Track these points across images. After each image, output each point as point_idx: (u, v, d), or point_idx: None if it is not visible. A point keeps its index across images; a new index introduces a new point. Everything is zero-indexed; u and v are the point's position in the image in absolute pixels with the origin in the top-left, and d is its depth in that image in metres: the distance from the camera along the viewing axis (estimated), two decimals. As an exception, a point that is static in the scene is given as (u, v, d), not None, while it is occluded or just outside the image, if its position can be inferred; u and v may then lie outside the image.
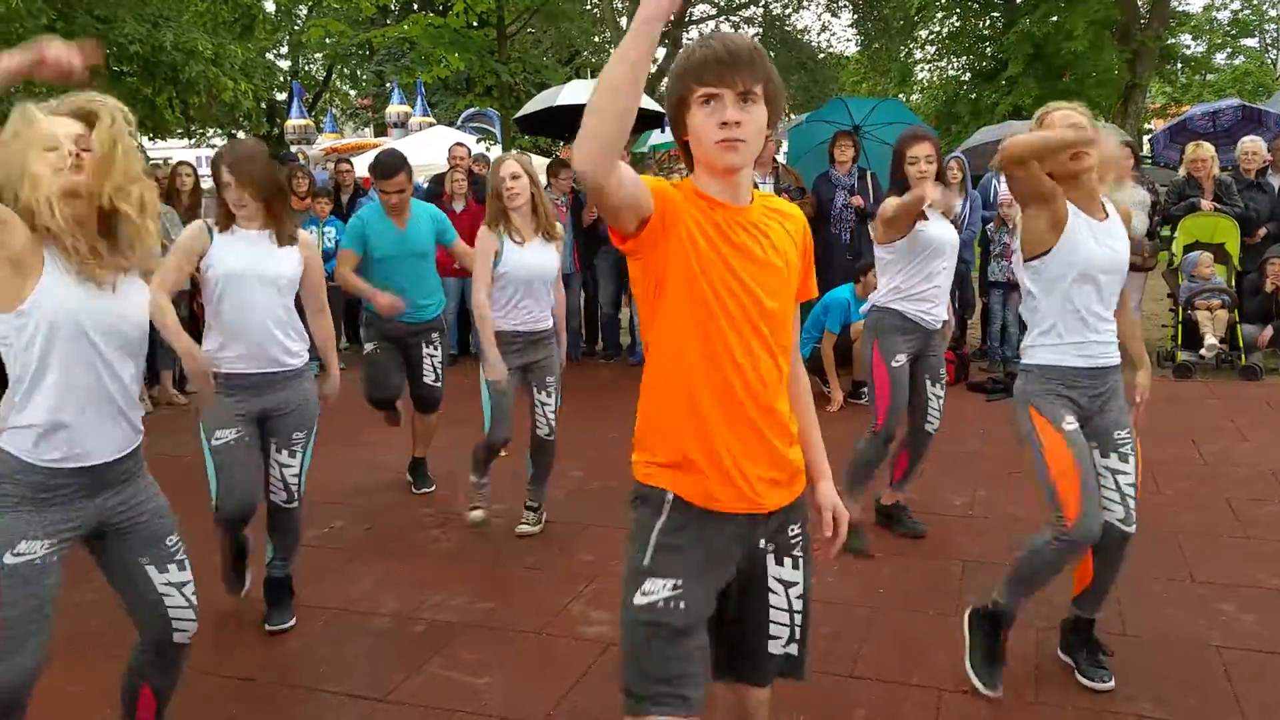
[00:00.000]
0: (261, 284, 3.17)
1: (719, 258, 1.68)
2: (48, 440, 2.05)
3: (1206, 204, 7.35)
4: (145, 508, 2.22)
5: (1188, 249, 7.37)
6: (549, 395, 4.19)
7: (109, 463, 2.13)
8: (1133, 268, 8.70)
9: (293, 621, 3.40)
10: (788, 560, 1.85)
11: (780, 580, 1.85)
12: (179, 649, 2.32)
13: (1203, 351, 7.02)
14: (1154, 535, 4.02)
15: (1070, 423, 2.74)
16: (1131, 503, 2.80)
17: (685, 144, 1.73)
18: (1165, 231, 7.75)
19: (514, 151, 5.43)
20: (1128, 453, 2.82)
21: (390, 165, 4.41)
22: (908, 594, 3.56)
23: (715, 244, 1.68)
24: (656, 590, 1.71)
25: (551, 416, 4.20)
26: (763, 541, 1.82)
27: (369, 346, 4.65)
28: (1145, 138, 18.28)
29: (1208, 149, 7.59)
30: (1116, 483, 2.80)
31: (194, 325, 5.50)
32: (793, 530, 1.86)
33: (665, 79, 1.47)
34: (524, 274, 4.03)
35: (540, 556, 4.01)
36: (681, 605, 1.70)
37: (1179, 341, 7.24)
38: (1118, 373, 2.83)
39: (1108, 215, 2.80)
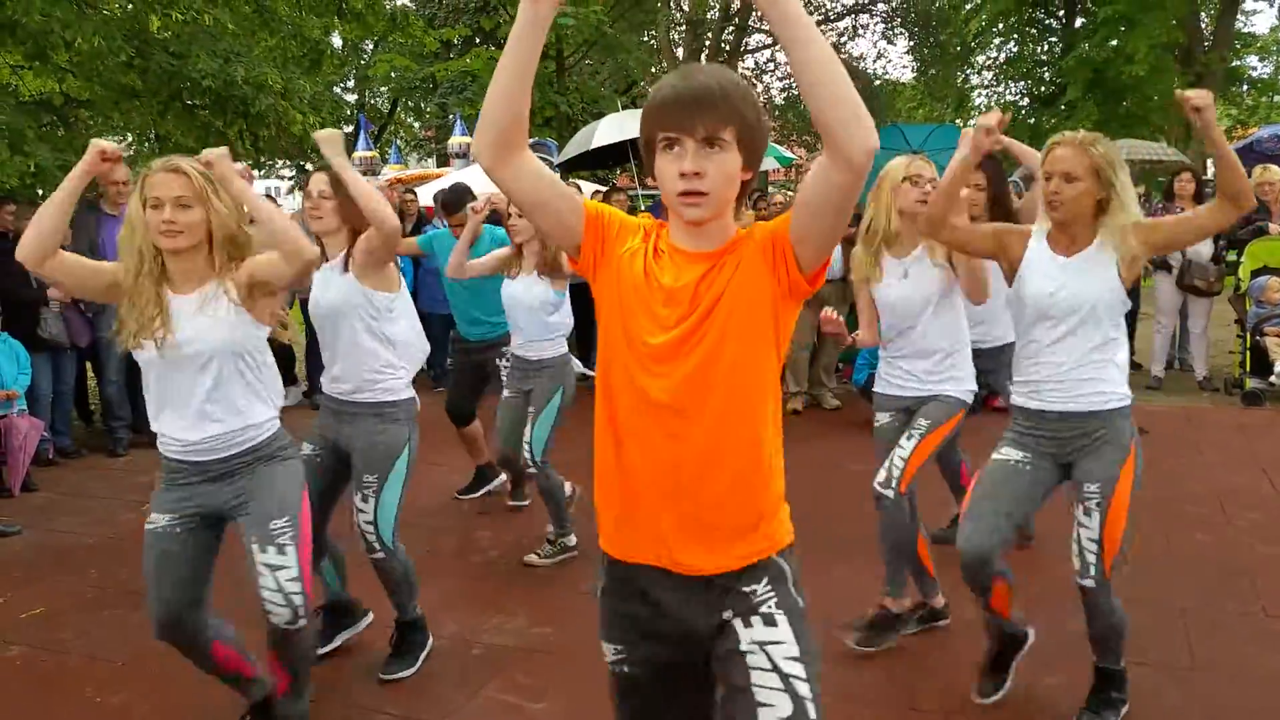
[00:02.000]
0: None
1: (638, 298, 1.60)
2: None
3: (1275, 227, 7.18)
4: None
5: (1255, 274, 7.20)
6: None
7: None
8: (1199, 293, 8.39)
9: (411, 670, 3.25)
10: (756, 619, 1.59)
11: (756, 641, 1.58)
12: None
13: (1273, 379, 6.83)
14: (1225, 567, 3.92)
15: None
16: None
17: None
18: (1231, 256, 7.58)
19: None
20: None
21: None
22: (956, 624, 3.51)
23: (640, 283, 1.59)
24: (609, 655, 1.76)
25: None
26: (726, 613, 1.61)
27: (449, 362, 5.59)
28: (1209, 161, 17.90)
29: (1276, 171, 7.44)
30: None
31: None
32: (753, 588, 1.61)
33: None
34: (506, 302, 4.31)
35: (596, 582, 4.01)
36: (626, 670, 1.75)
37: (1247, 368, 7.06)
38: None
39: None
